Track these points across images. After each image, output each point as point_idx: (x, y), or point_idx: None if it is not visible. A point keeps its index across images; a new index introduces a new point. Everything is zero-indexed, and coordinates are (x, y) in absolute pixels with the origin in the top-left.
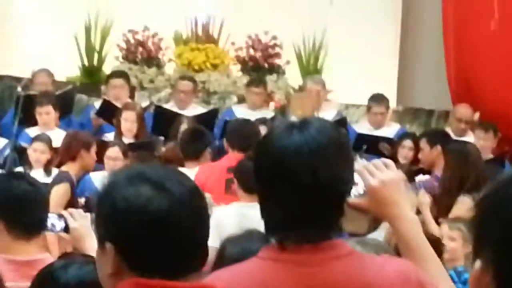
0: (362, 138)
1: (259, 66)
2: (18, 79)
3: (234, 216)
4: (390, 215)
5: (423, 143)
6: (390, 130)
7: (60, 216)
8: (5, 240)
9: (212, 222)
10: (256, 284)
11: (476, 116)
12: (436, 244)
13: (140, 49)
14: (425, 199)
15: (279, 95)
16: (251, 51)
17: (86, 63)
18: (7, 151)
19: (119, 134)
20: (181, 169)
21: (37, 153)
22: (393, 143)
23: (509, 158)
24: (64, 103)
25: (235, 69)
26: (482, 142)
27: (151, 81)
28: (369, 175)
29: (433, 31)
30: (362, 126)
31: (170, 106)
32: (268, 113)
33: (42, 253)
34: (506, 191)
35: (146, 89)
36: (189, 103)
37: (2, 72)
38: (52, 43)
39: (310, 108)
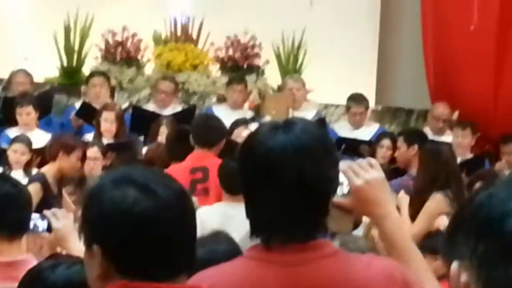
0: (342, 142)
1: (238, 66)
2: None
3: (217, 216)
4: (375, 214)
5: (400, 142)
6: (369, 129)
7: (43, 216)
8: None
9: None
10: (242, 284)
11: (455, 115)
12: None
13: (119, 49)
14: (405, 199)
15: (253, 95)
16: (230, 51)
17: (65, 63)
18: None
19: (98, 135)
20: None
21: (17, 154)
22: (372, 144)
23: (489, 157)
24: (43, 103)
25: (215, 69)
26: (460, 140)
27: (131, 81)
28: (354, 174)
29: (412, 31)
30: (341, 126)
31: (150, 106)
32: (247, 112)
33: (24, 254)
34: (498, 199)
35: (126, 89)
36: (169, 104)
37: None
38: (31, 44)
39: (285, 108)
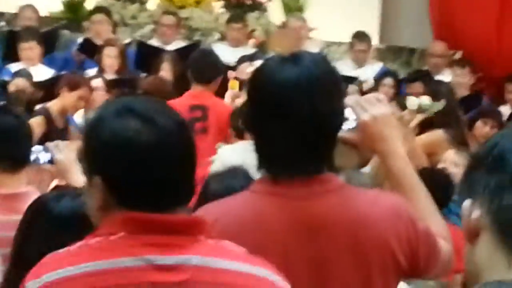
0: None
1: (242, 3)
2: (1, 14)
3: (239, 154)
4: (381, 150)
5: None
6: (372, 68)
7: (46, 149)
8: None
9: (217, 161)
10: (247, 217)
11: (458, 54)
12: None
13: None
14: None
15: (259, 32)
16: None
17: None
18: None
19: (101, 70)
20: None
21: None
22: (375, 83)
23: (488, 95)
24: (48, 41)
25: (218, 6)
26: (459, 78)
27: (134, 17)
28: (361, 109)
29: None
30: (344, 64)
31: (153, 42)
32: (249, 50)
33: (26, 186)
34: None
35: (129, 25)
36: (172, 38)
37: None
38: None
39: (290, 45)
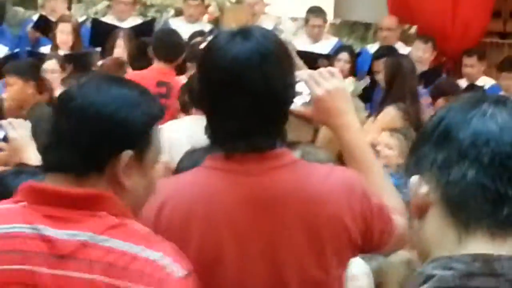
0: (301, 55)
1: None
2: None
3: (184, 129)
4: (335, 124)
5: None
6: (327, 43)
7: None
8: None
9: (164, 136)
10: (200, 192)
11: (413, 29)
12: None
13: None
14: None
15: (213, 8)
16: None
17: None
18: None
19: (55, 47)
20: None
21: None
22: (330, 58)
23: (445, 69)
24: None
25: None
26: (420, 53)
27: None
28: (315, 83)
29: None
30: (299, 40)
31: (109, 19)
32: (205, 25)
33: None
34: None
35: (83, 1)
36: (128, 16)
37: None
38: None
39: (244, 20)
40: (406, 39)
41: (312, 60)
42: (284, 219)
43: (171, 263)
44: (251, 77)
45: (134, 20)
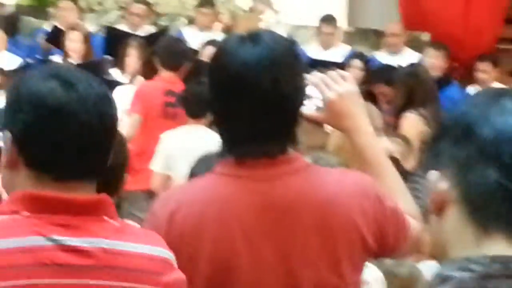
0: (314, 64)
1: None
2: None
3: (179, 139)
4: (347, 128)
5: None
6: (340, 51)
7: None
8: None
9: (160, 147)
10: (212, 199)
11: (426, 36)
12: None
13: None
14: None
15: (225, 16)
16: None
17: None
18: None
19: (66, 56)
20: None
21: None
22: (343, 66)
23: (457, 75)
24: (10, 24)
25: None
26: (433, 60)
27: (100, 3)
28: (326, 87)
29: None
30: (312, 47)
31: (122, 28)
32: (217, 34)
33: None
34: (483, 108)
35: (95, 11)
36: (142, 26)
37: None
38: None
39: (256, 29)
40: (419, 46)
41: (324, 69)
42: (297, 224)
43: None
44: (261, 82)
45: (147, 29)
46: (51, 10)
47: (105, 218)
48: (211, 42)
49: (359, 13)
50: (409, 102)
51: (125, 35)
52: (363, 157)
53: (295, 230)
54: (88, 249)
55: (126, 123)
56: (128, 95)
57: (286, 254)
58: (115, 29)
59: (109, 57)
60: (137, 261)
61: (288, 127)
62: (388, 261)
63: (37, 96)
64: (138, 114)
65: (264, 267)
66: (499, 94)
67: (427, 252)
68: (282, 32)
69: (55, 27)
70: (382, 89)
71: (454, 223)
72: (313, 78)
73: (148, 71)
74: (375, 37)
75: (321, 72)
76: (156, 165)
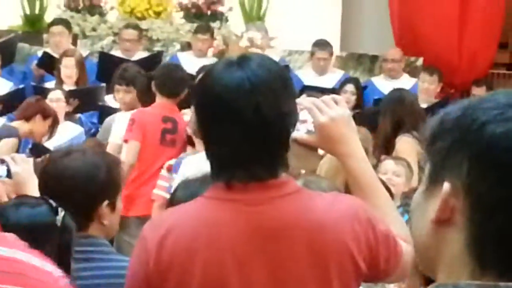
0: (307, 89)
1: (202, 13)
2: None
3: (194, 164)
4: (339, 152)
5: None
6: (334, 76)
7: (2, 161)
8: None
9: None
10: (202, 223)
11: (420, 61)
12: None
13: None
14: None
15: (217, 41)
16: None
17: (28, 11)
18: None
19: (59, 82)
20: None
21: None
22: (336, 91)
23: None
24: (5, 52)
25: (178, 17)
26: (426, 85)
27: (94, 29)
28: (318, 111)
29: None
30: (306, 73)
31: (115, 53)
32: (213, 60)
33: None
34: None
35: (89, 37)
36: (135, 51)
37: None
38: None
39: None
40: (413, 71)
41: (318, 94)
42: (288, 248)
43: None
44: (242, 105)
45: (141, 55)
46: (45, 36)
47: None
48: (205, 68)
49: (352, 37)
50: (398, 128)
51: (118, 61)
52: (354, 181)
53: (286, 254)
54: None
55: (124, 150)
56: (124, 122)
57: (277, 277)
58: (107, 54)
59: (102, 84)
60: (25, 267)
61: (274, 151)
62: (379, 285)
63: None
64: (138, 142)
65: None
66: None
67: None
68: (276, 56)
69: (45, 52)
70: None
71: (455, 246)
72: (305, 102)
73: (144, 97)
74: (369, 62)
75: (314, 96)
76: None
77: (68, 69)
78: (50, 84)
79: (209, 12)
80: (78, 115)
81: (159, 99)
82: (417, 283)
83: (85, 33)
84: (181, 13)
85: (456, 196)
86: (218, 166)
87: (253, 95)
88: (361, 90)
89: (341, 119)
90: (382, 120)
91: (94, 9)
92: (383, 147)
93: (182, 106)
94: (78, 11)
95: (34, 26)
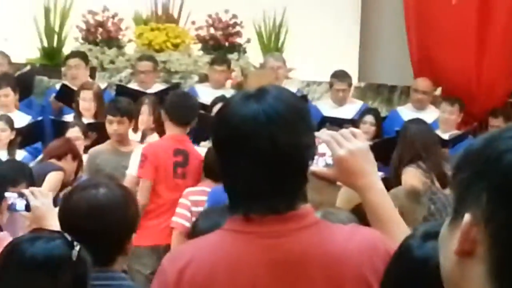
0: (326, 121)
1: (220, 45)
2: None
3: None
4: (358, 185)
5: None
6: (353, 107)
7: (21, 194)
8: None
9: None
10: (221, 256)
11: (438, 91)
12: None
13: (100, 29)
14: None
15: (235, 73)
16: (212, 30)
17: (46, 44)
18: None
19: (78, 115)
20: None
21: None
22: (356, 122)
23: (473, 133)
24: (23, 85)
25: (196, 48)
26: (447, 115)
27: (112, 62)
28: (337, 144)
29: (395, 6)
30: (324, 103)
31: (132, 86)
32: (230, 91)
33: None
34: (504, 142)
35: (107, 70)
36: (151, 83)
37: None
38: (11, 25)
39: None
40: (432, 101)
41: (337, 126)
42: (307, 280)
43: None
44: (257, 138)
45: (158, 87)
46: (63, 69)
47: None
48: (220, 98)
49: (370, 68)
50: (401, 161)
51: (136, 93)
52: (373, 213)
53: (305, 286)
54: None
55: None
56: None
57: None
58: (124, 86)
59: None
60: None
61: (291, 183)
62: None
63: None
64: (149, 180)
65: None
66: None
67: None
68: (294, 88)
69: (64, 85)
70: None
71: (476, 282)
72: (323, 135)
73: (161, 128)
74: (387, 92)
75: (333, 129)
76: None
77: (86, 102)
78: (68, 117)
79: (227, 44)
80: None
81: (170, 129)
82: None
83: (103, 65)
84: (199, 45)
85: (477, 227)
86: (235, 199)
87: (268, 127)
88: (380, 120)
89: (360, 152)
90: (394, 153)
91: (112, 42)
92: (393, 179)
93: (199, 138)
94: (96, 43)
95: (52, 59)
